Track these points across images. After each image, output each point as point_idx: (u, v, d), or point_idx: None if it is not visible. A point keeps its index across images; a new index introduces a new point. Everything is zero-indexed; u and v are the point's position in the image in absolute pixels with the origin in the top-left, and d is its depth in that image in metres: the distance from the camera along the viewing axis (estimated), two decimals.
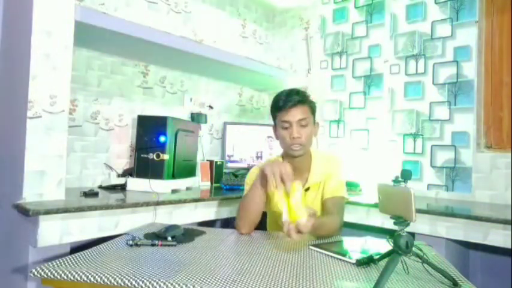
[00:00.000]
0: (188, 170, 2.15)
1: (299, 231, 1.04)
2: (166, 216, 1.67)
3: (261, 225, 1.56)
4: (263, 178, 1.28)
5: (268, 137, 2.67)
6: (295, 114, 1.39)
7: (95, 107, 2.05)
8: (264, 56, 3.04)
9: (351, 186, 2.28)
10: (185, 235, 1.23)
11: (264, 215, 1.60)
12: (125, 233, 1.31)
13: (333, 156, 1.57)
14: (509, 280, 1.88)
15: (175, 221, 1.66)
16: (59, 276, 0.87)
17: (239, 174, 2.50)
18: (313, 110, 1.46)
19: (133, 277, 0.84)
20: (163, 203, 1.63)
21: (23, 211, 1.30)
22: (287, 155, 1.49)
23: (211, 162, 2.38)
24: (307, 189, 1.47)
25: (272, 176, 1.19)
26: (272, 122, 1.53)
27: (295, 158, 1.45)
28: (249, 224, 1.36)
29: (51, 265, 0.90)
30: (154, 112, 2.30)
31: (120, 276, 0.85)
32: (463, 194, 2.11)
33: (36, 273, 0.88)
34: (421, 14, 2.35)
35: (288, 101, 1.39)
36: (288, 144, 1.42)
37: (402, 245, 0.87)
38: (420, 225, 1.72)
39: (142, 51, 2.07)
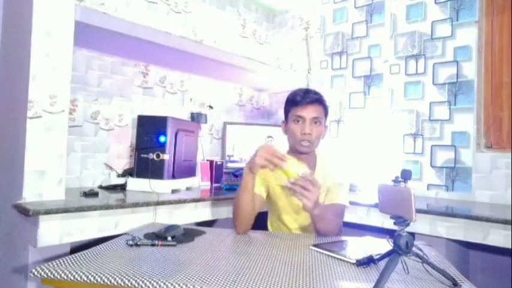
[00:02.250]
0: (188, 170, 2.15)
1: (307, 183, 1.11)
2: (166, 216, 1.67)
3: (261, 225, 1.56)
4: (250, 162, 1.30)
5: (268, 137, 2.67)
6: (310, 111, 1.42)
7: (95, 107, 2.05)
8: (264, 56, 3.04)
9: (350, 186, 2.29)
10: (185, 235, 1.23)
11: (265, 214, 1.60)
12: (125, 233, 1.31)
13: (336, 160, 1.57)
14: (509, 280, 1.88)
15: (175, 221, 1.65)
16: (59, 276, 0.87)
17: (239, 174, 2.50)
18: (326, 112, 1.48)
19: (133, 277, 0.84)
20: (163, 203, 1.63)
21: (23, 211, 1.30)
22: (293, 152, 1.49)
23: (211, 162, 2.38)
24: None
25: (258, 155, 1.24)
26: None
27: (301, 156, 1.45)
28: (244, 220, 1.34)
29: (51, 265, 0.90)
30: (154, 112, 2.30)
31: (120, 276, 0.85)
32: (463, 194, 2.11)
33: (36, 273, 0.88)
34: (421, 14, 2.35)
35: (305, 97, 1.42)
36: (298, 139, 1.43)
37: (402, 245, 0.87)
38: (420, 225, 1.72)
39: (142, 51, 2.07)
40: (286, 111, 1.50)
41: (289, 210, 1.49)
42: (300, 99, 1.42)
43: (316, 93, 1.46)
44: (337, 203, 1.45)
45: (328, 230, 1.34)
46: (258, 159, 1.25)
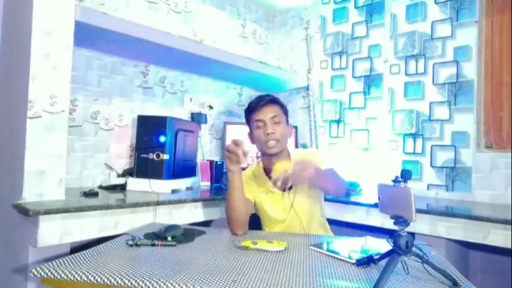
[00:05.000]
0: (188, 170, 2.15)
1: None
2: (166, 216, 1.67)
3: (258, 228, 1.56)
4: (228, 160, 1.34)
5: None
6: (267, 112, 1.45)
7: (95, 107, 2.05)
8: (264, 56, 3.04)
9: (351, 186, 2.29)
10: (185, 235, 1.23)
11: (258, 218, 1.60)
12: (125, 233, 1.31)
13: (312, 152, 1.59)
14: (509, 280, 1.88)
15: (175, 221, 1.65)
16: (59, 276, 0.87)
17: None
18: (285, 111, 1.51)
19: (133, 277, 0.84)
20: (163, 203, 1.63)
21: (23, 211, 1.30)
22: (265, 156, 1.50)
23: (211, 162, 2.38)
24: (290, 188, 1.47)
25: (232, 150, 1.28)
26: None
27: (274, 159, 1.47)
28: (241, 219, 1.34)
29: (51, 265, 0.90)
30: (154, 112, 2.30)
31: (120, 276, 0.85)
32: (463, 194, 2.11)
33: (36, 273, 0.88)
34: (421, 14, 2.35)
35: (260, 100, 1.47)
36: (263, 142, 1.44)
37: (402, 245, 0.87)
38: (420, 225, 1.72)
39: (142, 51, 2.07)
40: (248, 122, 1.54)
41: (275, 214, 1.50)
42: (255, 104, 1.47)
43: (269, 95, 1.51)
44: (328, 168, 1.47)
45: (338, 185, 1.39)
46: (230, 154, 1.30)
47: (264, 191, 1.50)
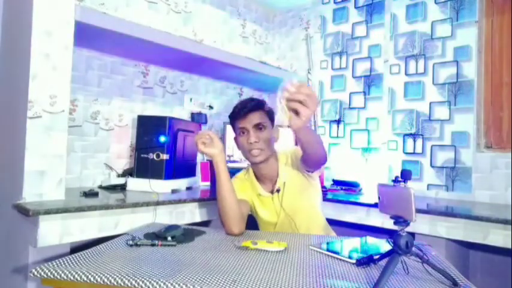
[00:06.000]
0: (188, 170, 2.15)
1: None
2: (166, 216, 1.67)
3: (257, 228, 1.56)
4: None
5: None
6: (251, 119, 1.41)
7: (95, 107, 2.05)
8: (264, 56, 3.04)
9: (351, 185, 2.29)
10: (185, 235, 1.23)
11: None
12: (125, 233, 1.31)
13: (292, 148, 1.54)
14: (509, 280, 1.88)
15: (175, 221, 1.66)
16: (58, 276, 0.87)
17: None
18: (270, 116, 1.46)
19: (133, 277, 0.84)
20: (163, 203, 1.63)
21: (23, 211, 1.30)
22: (252, 164, 1.49)
23: (211, 162, 2.37)
24: (278, 191, 1.46)
25: (201, 134, 1.28)
26: None
27: (260, 165, 1.45)
28: (233, 213, 1.30)
29: (51, 265, 0.90)
30: (154, 112, 2.30)
31: (120, 276, 0.85)
32: (463, 194, 2.11)
33: (36, 273, 0.88)
34: (421, 14, 2.35)
35: (243, 107, 1.42)
36: (247, 150, 1.42)
37: (402, 245, 0.87)
38: (420, 225, 1.72)
39: (142, 51, 2.07)
40: (232, 127, 1.50)
41: (267, 217, 1.50)
42: (239, 110, 1.42)
43: (254, 100, 1.45)
44: None
45: (322, 147, 1.27)
46: (198, 144, 1.28)
47: (256, 194, 1.51)
